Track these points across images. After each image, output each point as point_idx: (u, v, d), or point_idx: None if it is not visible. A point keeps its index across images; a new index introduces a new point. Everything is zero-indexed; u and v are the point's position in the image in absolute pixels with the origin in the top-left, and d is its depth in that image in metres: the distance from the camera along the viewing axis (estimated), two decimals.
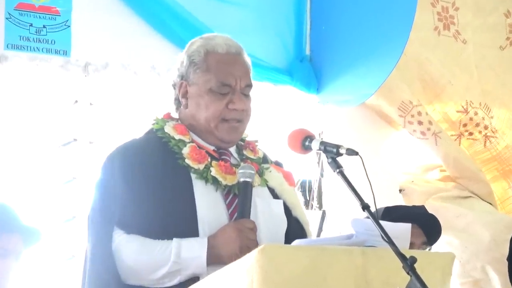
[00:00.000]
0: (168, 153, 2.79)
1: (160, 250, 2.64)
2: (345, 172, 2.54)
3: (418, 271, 2.22)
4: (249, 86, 2.87)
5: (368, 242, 2.46)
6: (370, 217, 2.38)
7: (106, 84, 4.23)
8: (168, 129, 2.86)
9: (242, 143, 2.98)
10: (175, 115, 2.96)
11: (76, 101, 4.24)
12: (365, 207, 2.42)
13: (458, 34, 5.16)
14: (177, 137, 2.83)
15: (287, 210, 2.90)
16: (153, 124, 2.92)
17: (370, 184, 2.51)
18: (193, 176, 2.77)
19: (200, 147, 2.84)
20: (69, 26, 4.11)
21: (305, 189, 4.82)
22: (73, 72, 4.12)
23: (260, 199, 2.82)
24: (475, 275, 4.80)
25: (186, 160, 2.78)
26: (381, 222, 2.39)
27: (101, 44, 4.19)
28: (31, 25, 4.04)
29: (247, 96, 2.86)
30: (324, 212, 4.75)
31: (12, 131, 4.18)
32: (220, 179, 2.78)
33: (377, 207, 2.49)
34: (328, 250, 2.34)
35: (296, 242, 2.45)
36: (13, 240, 3.46)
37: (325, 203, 4.86)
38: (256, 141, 3.02)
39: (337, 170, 2.55)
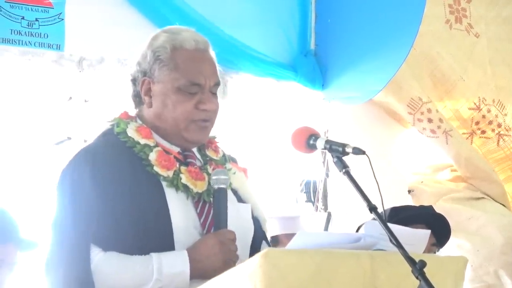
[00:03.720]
0: (136, 159, 2.70)
1: (141, 268, 2.56)
2: (352, 172, 2.50)
3: (430, 276, 2.17)
4: (218, 84, 2.79)
5: (377, 246, 2.40)
6: (377, 219, 2.35)
7: (101, 80, 4.16)
8: (131, 132, 2.74)
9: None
10: (133, 111, 2.85)
11: (70, 98, 4.19)
12: (373, 208, 2.38)
13: (471, 28, 5.14)
14: (142, 141, 2.72)
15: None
16: (112, 125, 2.80)
17: (378, 185, 2.48)
18: (163, 183, 2.68)
19: (166, 151, 2.75)
20: (62, 19, 4.03)
21: (310, 190, 4.87)
22: (67, 68, 4.06)
23: (229, 203, 2.72)
24: (487, 280, 4.77)
25: (155, 168, 2.69)
26: (400, 227, 2.39)
27: (96, 38, 4.12)
28: (22, 18, 3.97)
29: (215, 94, 2.78)
30: (329, 214, 4.76)
31: (2, 130, 4.16)
32: (191, 186, 2.70)
33: (385, 209, 2.47)
34: (334, 254, 2.29)
35: (300, 235, 2.34)
36: (7, 250, 3.42)
37: (331, 204, 4.84)
38: (215, 137, 2.93)
39: (343, 170, 2.51)
